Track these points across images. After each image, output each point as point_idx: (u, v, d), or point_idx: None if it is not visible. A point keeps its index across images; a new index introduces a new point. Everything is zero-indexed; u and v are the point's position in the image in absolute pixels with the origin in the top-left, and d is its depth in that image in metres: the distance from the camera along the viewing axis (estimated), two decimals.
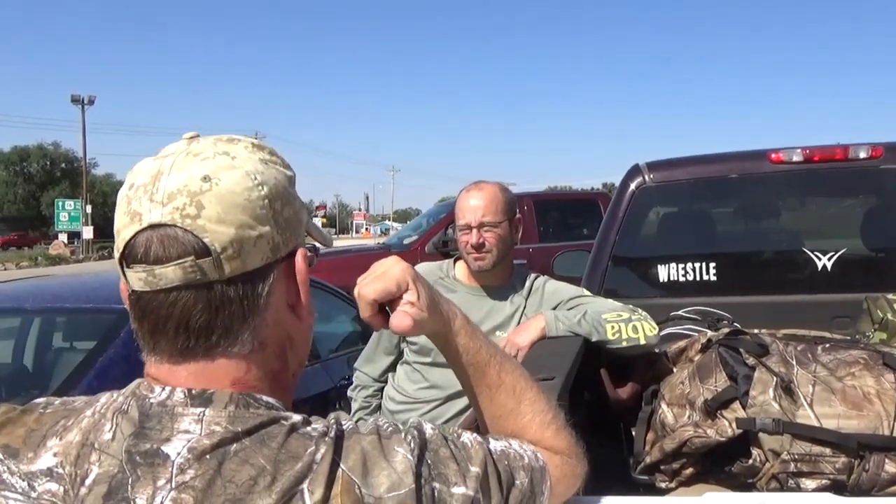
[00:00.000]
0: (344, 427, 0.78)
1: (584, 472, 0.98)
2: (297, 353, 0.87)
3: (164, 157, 0.80)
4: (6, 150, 61.14)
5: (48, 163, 61.83)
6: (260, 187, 0.79)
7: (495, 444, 0.85)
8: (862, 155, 2.87)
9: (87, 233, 38.87)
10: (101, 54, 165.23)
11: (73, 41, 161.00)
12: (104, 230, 49.67)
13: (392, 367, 2.45)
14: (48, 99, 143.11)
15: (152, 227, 0.76)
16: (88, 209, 40.13)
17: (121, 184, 0.85)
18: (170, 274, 0.75)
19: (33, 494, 0.74)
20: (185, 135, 0.84)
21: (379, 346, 2.46)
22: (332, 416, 0.80)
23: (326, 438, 0.75)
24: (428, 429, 0.81)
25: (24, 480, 0.74)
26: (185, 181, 0.76)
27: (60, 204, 40.97)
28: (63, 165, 62.06)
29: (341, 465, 0.73)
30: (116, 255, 0.78)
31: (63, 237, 39.81)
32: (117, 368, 2.63)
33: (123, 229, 0.77)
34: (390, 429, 0.79)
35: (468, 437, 0.83)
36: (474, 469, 0.79)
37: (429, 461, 0.76)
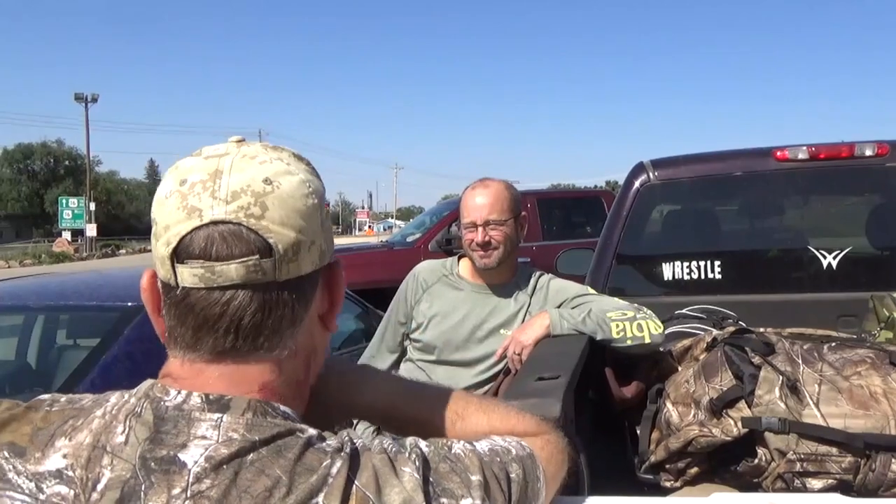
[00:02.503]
0: (356, 444, 0.78)
1: (566, 444, 1.00)
2: (317, 363, 0.88)
3: (219, 157, 0.79)
4: (10, 148, 61.28)
5: (52, 160, 61.94)
6: (313, 195, 0.81)
7: (482, 446, 0.85)
8: (868, 153, 2.85)
9: (91, 230, 38.89)
10: (105, 52, 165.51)
11: (77, 39, 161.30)
12: (107, 228, 49.89)
13: (395, 365, 2.44)
14: (52, 97, 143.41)
15: (214, 223, 0.75)
16: (92, 207, 40.14)
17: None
18: (231, 272, 0.75)
19: (41, 497, 0.71)
20: (231, 138, 0.84)
21: (382, 343, 2.45)
22: (343, 432, 0.81)
23: (342, 454, 0.75)
24: (424, 446, 0.81)
25: (31, 481, 0.72)
26: (247, 181, 0.77)
27: (64, 201, 41.01)
28: (67, 163, 62.15)
29: (356, 481, 0.73)
30: (165, 249, 0.76)
31: (67, 235, 39.83)
32: (120, 366, 2.63)
33: (177, 224, 0.76)
34: (395, 448, 0.79)
35: (458, 446, 0.83)
36: (475, 477, 0.79)
37: (432, 479, 0.77)
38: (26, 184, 60.38)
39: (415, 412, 0.98)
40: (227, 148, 0.81)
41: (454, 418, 0.97)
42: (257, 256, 0.75)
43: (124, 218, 63.95)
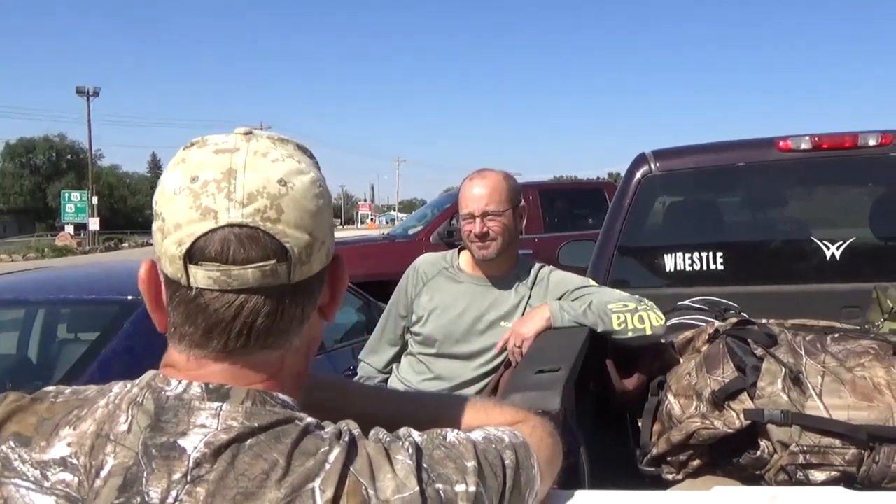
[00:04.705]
0: (354, 433, 0.79)
1: (552, 427, 1.00)
2: (313, 351, 0.88)
3: (230, 153, 0.77)
4: (12, 142, 61.26)
5: (54, 154, 61.85)
6: (322, 195, 0.81)
7: (477, 434, 0.86)
8: (872, 143, 2.83)
9: (94, 224, 39.01)
10: (107, 46, 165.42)
11: (79, 33, 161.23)
12: (110, 221, 49.94)
13: (396, 358, 2.44)
14: (54, 91, 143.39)
15: (231, 225, 0.74)
16: (94, 200, 40.23)
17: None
18: (248, 276, 0.75)
19: (46, 484, 0.72)
20: (237, 129, 0.82)
21: (383, 336, 2.44)
22: (342, 422, 0.81)
23: (340, 441, 0.76)
24: (417, 435, 0.82)
25: (36, 469, 0.73)
26: (263, 182, 0.76)
27: (66, 195, 41.14)
28: (69, 157, 62.04)
29: (350, 468, 0.74)
30: (176, 249, 0.75)
31: (69, 229, 39.92)
32: (120, 360, 2.63)
33: (190, 224, 0.75)
34: (388, 438, 0.80)
35: (452, 435, 0.84)
36: (470, 463, 0.80)
37: (426, 465, 0.77)
38: (29, 178, 60.32)
39: (393, 417, 0.98)
40: (235, 142, 0.79)
41: (432, 421, 0.96)
42: (274, 261, 0.75)
43: (127, 212, 64.03)
